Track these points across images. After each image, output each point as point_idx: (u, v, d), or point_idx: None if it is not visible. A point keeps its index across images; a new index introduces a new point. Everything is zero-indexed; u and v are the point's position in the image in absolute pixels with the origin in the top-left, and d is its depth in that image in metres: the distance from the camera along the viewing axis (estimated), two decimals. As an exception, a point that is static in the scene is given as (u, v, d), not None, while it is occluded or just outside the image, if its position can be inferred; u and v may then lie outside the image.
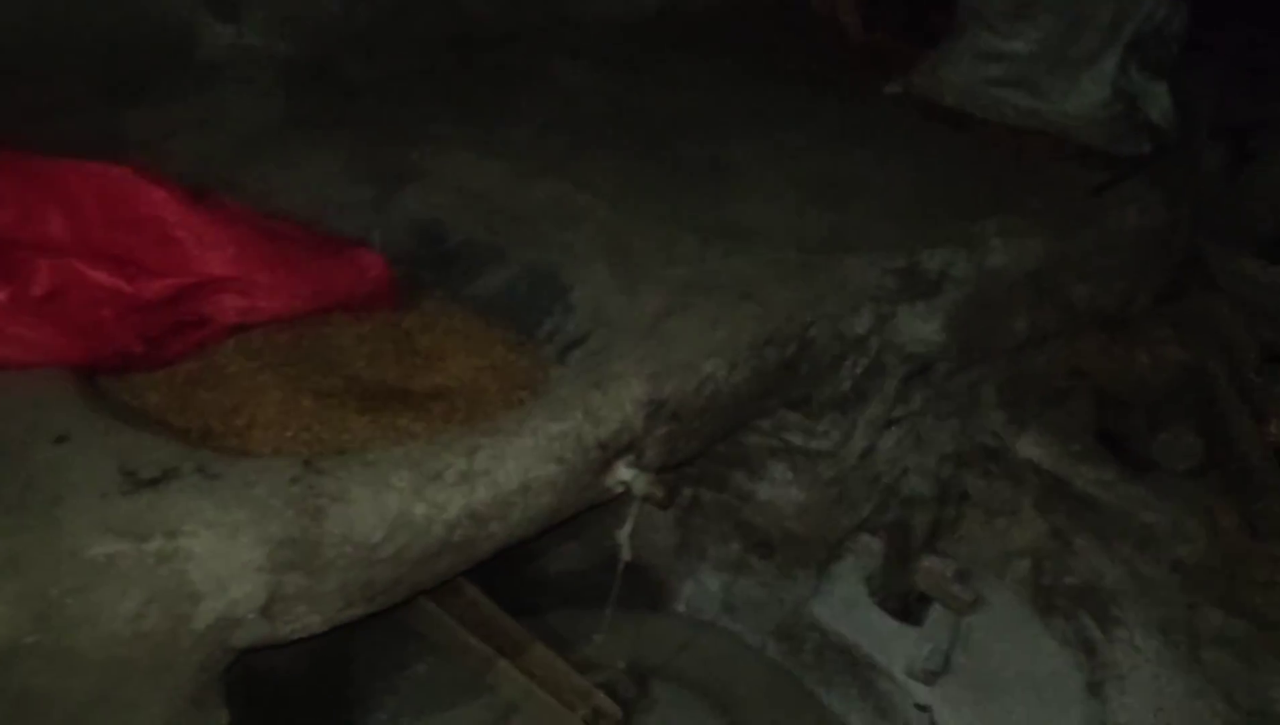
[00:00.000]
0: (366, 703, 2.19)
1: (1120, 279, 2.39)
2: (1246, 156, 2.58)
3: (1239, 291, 2.44)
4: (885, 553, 2.33)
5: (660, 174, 2.35)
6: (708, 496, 2.31)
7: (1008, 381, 2.32)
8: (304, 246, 1.89)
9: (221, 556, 1.34)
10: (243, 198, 2.01)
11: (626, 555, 1.78)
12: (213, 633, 1.36)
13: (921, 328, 2.13)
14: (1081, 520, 2.21)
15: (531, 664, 2.09)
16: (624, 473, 1.70)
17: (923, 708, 2.17)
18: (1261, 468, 2.13)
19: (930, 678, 2.17)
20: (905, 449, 2.34)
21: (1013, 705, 2.16)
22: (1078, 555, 2.24)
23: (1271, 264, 2.47)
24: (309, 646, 2.06)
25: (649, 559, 2.42)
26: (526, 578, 2.36)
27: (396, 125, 2.42)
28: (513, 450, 1.57)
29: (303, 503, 1.41)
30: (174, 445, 1.46)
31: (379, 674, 2.21)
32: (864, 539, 2.38)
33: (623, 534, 1.75)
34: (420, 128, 2.41)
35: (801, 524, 2.24)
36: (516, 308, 2.04)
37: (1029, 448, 2.24)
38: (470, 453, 1.54)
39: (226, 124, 2.34)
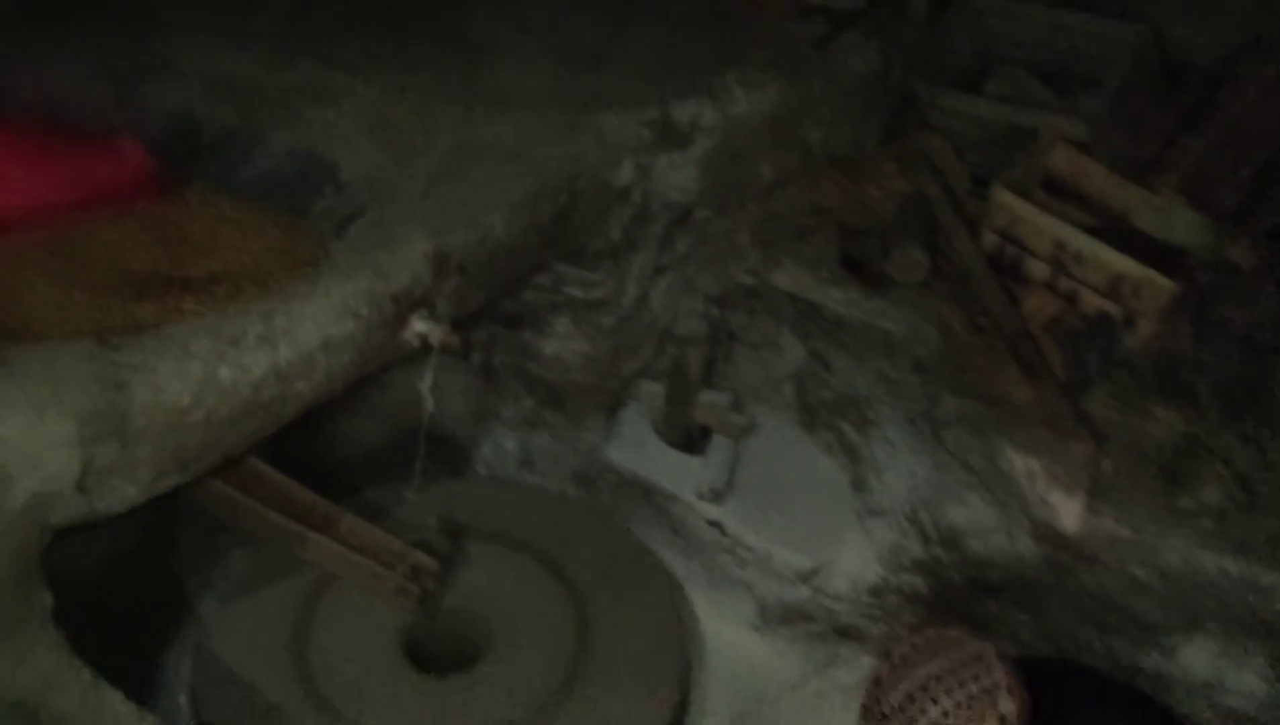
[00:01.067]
0: (186, 600, 2.21)
1: (848, 122, 2.62)
2: (946, 2, 2.86)
3: (948, 125, 2.73)
4: (667, 394, 2.52)
5: (414, 50, 2.38)
6: (498, 360, 2.42)
7: (760, 223, 2.52)
8: (56, 138, 1.83)
9: (30, 435, 1.34)
10: (-22, 95, 1.91)
11: (429, 406, 1.86)
12: (29, 512, 1.37)
13: (678, 176, 2.29)
14: (835, 340, 2.46)
15: (344, 535, 2.16)
16: (420, 326, 1.78)
17: (714, 523, 2.39)
18: (980, 274, 2.43)
19: (716, 497, 2.39)
20: (676, 295, 2.52)
21: (793, 511, 2.42)
22: (834, 372, 2.49)
23: (972, 96, 2.77)
24: (126, 552, 2.07)
25: (447, 428, 2.51)
26: (329, 464, 2.41)
27: (137, 18, 2.33)
28: (309, 311, 1.62)
29: (105, 376, 1.42)
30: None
31: (195, 570, 2.22)
32: (646, 385, 2.55)
33: (424, 385, 1.83)
34: (163, 20, 2.33)
35: (587, 374, 2.39)
36: (285, 191, 2.03)
37: (783, 279, 2.45)
38: (266, 317, 1.58)
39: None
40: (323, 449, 2.37)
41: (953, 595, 2.24)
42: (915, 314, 2.36)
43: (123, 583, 2.06)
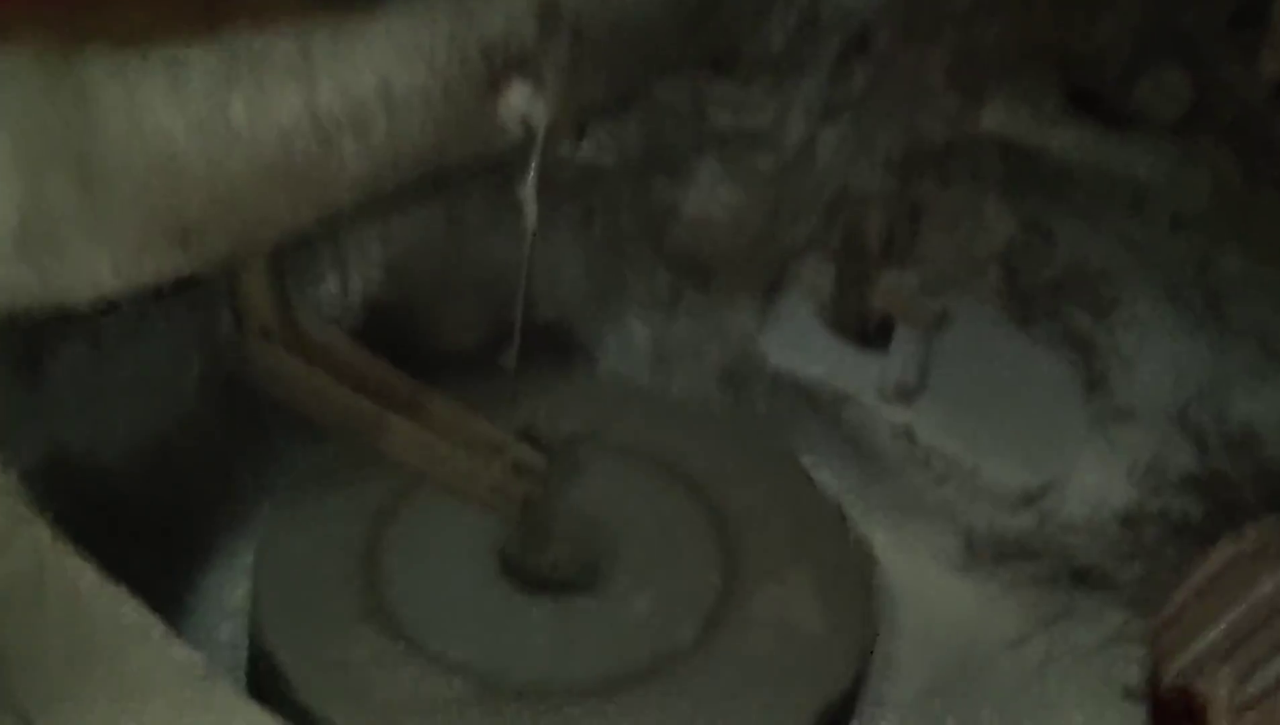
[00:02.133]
0: (237, 506, 1.77)
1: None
2: None
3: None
4: (837, 275, 2.00)
5: None
6: (625, 222, 1.93)
7: (958, 59, 1.98)
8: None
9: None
10: None
11: (531, 222, 1.38)
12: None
13: (859, -20, 1.78)
14: (1060, 200, 1.90)
15: (432, 421, 1.69)
16: (520, 98, 1.30)
17: (902, 431, 1.84)
18: (1260, 109, 1.83)
19: (905, 395, 1.86)
20: (848, 152, 1.99)
21: (1006, 416, 1.86)
22: (1058, 243, 1.92)
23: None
24: (159, 438, 1.66)
25: (561, 315, 2.04)
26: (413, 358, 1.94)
27: None
28: (362, 44, 1.16)
29: (59, 82, 0.98)
30: None
31: (248, 468, 1.79)
32: (811, 264, 2.04)
33: (526, 189, 1.35)
34: None
35: (738, 237, 1.88)
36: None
37: (992, 121, 1.91)
38: (302, 41, 1.12)
39: None
40: (402, 341, 1.90)
41: (1244, 520, 1.63)
42: (1174, 157, 1.78)
43: (153, 480, 1.64)
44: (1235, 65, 1.89)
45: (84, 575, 1.01)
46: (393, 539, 1.65)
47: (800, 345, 1.98)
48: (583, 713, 1.40)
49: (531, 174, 1.34)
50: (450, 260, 1.98)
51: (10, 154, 0.94)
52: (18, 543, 1.03)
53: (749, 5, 1.65)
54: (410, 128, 1.21)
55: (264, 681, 1.49)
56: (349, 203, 1.21)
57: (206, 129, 1.05)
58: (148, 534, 1.61)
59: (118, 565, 1.08)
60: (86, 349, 1.58)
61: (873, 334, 2.01)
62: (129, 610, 0.99)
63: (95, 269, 1.03)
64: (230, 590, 1.69)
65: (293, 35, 1.11)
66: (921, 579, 1.84)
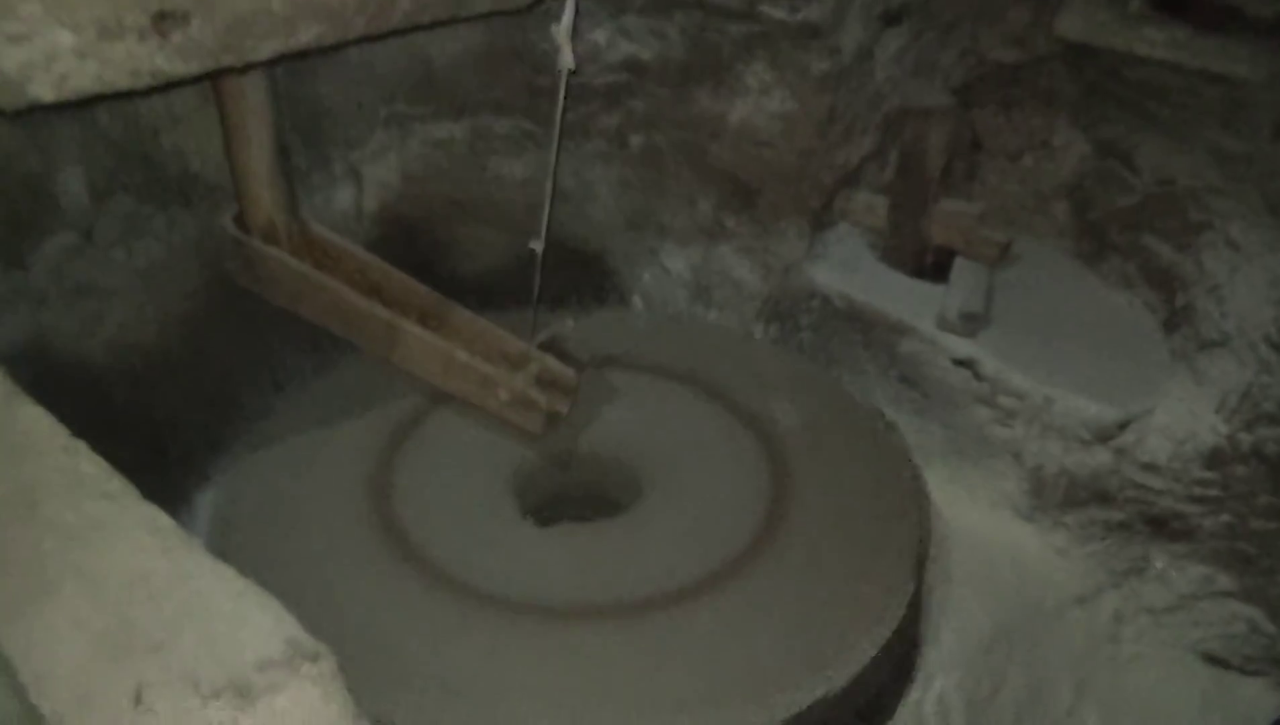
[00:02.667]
0: (238, 419, 1.63)
1: None
2: None
3: None
4: (893, 203, 1.84)
5: None
6: (664, 140, 1.78)
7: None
8: None
9: None
10: None
11: (568, 62, 1.23)
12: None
13: None
14: (1141, 117, 1.74)
15: (450, 332, 1.55)
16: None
17: (963, 363, 1.68)
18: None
19: (969, 325, 1.69)
20: (909, 65, 1.84)
21: (1076, 350, 1.69)
22: (1138, 165, 1.76)
23: None
24: (159, 340, 1.53)
25: (596, 244, 1.89)
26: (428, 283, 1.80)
27: None
28: None
29: None
30: None
31: (253, 381, 1.65)
32: (864, 196, 1.88)
33: (561, 28, 1.20)
34: None
35: (788, 149, 1.73)
36: None
37: (1068, 27, 1.75)
38: None
39: None
40: (417, 262, 1.75)
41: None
42: (1275, 58, 1.61)
43: (145, 385, 1.51)
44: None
45: (37, 424, 0.87)
46: (404, 459, 1.51)
47: (851, 275, 1.82)
48: (612, 629, 1.25)
49: (568, 12, 1.19)
50: (472, 179, 1.84)
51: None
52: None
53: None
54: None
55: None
56: (358, 28, 1.07)
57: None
58: (137, 441, 1.47)
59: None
60: (77, 240, 1.45)
61: (929, 268, 1.85)
62: (85, 463, 0.85)
63: (57, 50, 0.89)
64: (229, 505, 1.54)
65: None
66: (983, 526, 1.67)
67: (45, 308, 1.38)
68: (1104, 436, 1.59)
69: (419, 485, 1.46)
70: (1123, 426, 1.59)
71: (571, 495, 1.52)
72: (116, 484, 0.83)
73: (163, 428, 1.50)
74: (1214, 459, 1.55)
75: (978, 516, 1.68)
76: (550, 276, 1.57)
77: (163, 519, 0.80)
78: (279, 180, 1.54)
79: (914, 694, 1.44)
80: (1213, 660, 1.65)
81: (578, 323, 1.69)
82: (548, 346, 1.52)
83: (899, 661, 1.39)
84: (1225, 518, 1.56)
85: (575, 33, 1.29)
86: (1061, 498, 1.64)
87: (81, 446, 0.86)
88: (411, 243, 1.82)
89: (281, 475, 1.48)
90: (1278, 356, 1.50)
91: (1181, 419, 1.57)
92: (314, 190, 1.71)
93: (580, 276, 1.89)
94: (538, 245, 1.40)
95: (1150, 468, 1.58)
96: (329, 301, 1.52)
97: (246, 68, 1.12)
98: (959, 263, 1.82)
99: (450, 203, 1.83)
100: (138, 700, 0.67)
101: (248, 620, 0.72)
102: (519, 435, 1.51)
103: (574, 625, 1.26)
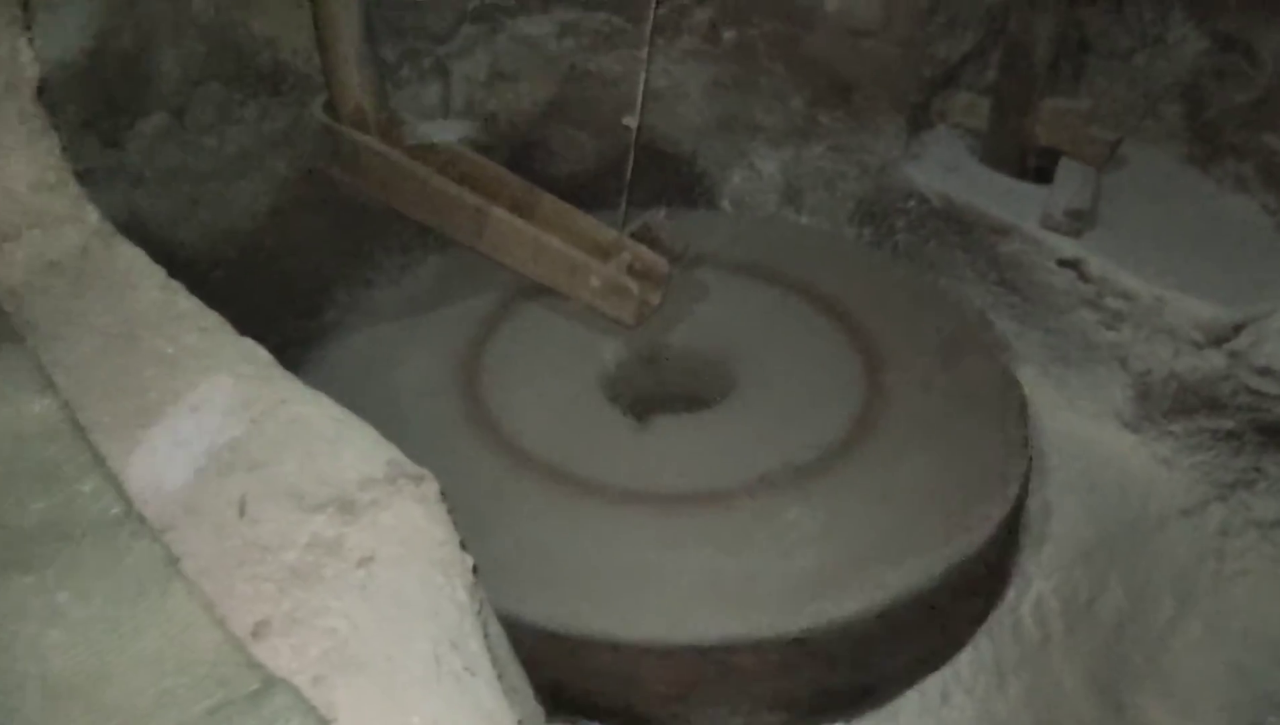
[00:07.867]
0: (325, 310, 1.63)
1: None
2: None
3: None
4: (995, 101, 1.76)
5: None
6: (756, 34, 1.72)
7: None
8: None
9: None
10: None
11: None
12: None
13: None
14: (1264, 6, 1.63)
15: (540, 221, 1.53)
16: None
17: (1068, 264, 1.61)
18: None
19: (1074, 224, 1.62)
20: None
21: (1188, 251, 1.61)
22: (1258, 59, 1.66)
23: None
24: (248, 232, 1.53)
25: (684, 144, 1.85)
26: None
27: None
28: None
29: None
30: None
31: (339, 272, 1.65)
32: (965, 96, 1.81)
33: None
34: None
35: (885, 41, 1.66)
36: None
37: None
38: None
39: None
40: (506, 160, 1.73)
41: None
42: None
43: (234, 271, 1.51)
44: None
45: (135, 262, 0.87)
46: (494, 349, 1.50)
47: (950, 175, 1.76)
48: (737, 511, 1.25)
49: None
50: (561, 77, 1.81)
51: None
52: (68, 228, 0.89)
53: None
54: None
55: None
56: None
57: None
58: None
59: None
60: (170, 122, 1.45)
61: (1031, 170, 1.78)
62: (182, 300, 0.84)
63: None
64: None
65: None
66: (1084, 433, 1.61)
67: (141, 188, 1.39)
68: (1218, 339, 1.51)
69: (509, 378, 1.45)
70: (1238, 328, 1.51)
71: (660, 393, 1.49)
72: (213, 319, 0.82)
73: (257, 318, 1.50)
74: (1336, 364, 1.47)
75: (1079, 424, 1.62)
76: (639, 178, 1.53)
77: (260, 352, 0.80)
78: (368, 66, 1.53)
79: (1010, 595, 1.41)
80: (1321, 580, 1.58)
81: (671, 220, 1.66)
82: (639, 236, 1.49)
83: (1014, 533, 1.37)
84: (1346, 428, 1.49)
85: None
86: (1169, 405, 1.57)
87: (178, 285, 0.86)
88: (498, 142, 1.79)
89: (374, 363, 1.48)
90: None
91: (1302, 322, 1.49)
92: (402, 84, 1.69)
93: (670, 179, 1.85)
94: (632, 121, 1.36)
95: (1266, 372, 1.50)
96: (418, 188, 1.51)
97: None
98: (1064, 163, 1.74)
99: (538, 102, 1.80)
100: (242, 511, 0.66)
101: (349, 442, 0.71)
102: (608, 328, 1.49)
103: (694, 509, 1.25)
